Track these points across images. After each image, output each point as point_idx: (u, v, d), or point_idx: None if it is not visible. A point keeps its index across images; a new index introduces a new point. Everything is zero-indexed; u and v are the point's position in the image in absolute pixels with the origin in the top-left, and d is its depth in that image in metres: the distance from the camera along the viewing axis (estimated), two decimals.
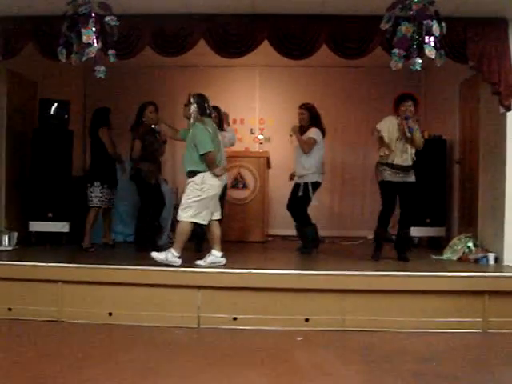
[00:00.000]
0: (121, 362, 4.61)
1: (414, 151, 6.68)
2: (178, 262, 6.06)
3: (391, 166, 6.62)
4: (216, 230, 6.37)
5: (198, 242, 7.30)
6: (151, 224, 7.62)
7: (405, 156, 6.62)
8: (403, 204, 6.77)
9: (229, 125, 7.60)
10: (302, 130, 7.38)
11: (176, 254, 6.06)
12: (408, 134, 6.49)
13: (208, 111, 6.30)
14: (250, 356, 4.87)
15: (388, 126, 6.57)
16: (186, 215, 6.10)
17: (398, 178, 6.64)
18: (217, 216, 6.41)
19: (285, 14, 6.55)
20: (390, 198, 6.74)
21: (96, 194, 7.40)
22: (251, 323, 5.71)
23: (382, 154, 6.56)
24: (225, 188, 7.45)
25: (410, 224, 7.02)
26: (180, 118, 9.66)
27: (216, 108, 7.44)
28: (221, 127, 7.41)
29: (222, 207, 7.47)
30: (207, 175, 6.12)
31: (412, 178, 6.71)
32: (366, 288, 5.79)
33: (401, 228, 6.82)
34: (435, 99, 9.45)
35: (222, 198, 7.42)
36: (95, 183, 7.40)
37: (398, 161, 6.60)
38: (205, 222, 6.21)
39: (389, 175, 6.65)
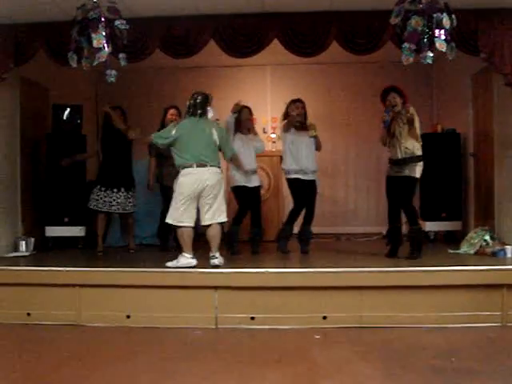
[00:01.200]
0: (140, 364, 4.63)
1: (409, 144, 6.48)
2: (193, 262, 6.08)
3: (389, 160, 6.71)
4: (209, 232, 6.25)
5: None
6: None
7: (393, 150, 6.58)
8: (401, 199, 6.59)
9: (256, 134, 7.58)
10: (299, 126, 7.22)
11: (188, 255, 6.08)
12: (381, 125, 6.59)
13: (191, 109, 6.31)
14: (268, 355, 4.86)
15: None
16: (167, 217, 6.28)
17: (392, 173, 6.64)
18: (207, 219, 6.25)
19: (294, 11, 6.56)
20: (387, 192, 6.75)
21: (93, 197, 7.40)
22: (269, 322, 5.71)
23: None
24: (257, 190, 7.46)
25: (415, 220, 6.66)
26: None
27: (246, 107, 7.43)
28: (238, 128, 7.39)
29: (259, 210, 7.46)
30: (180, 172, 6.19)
31: (406, 172, 6.50)
32: (383, 284, 5.77)
33: (409, 225, 6.64)
34: (447, 92, 9.40)
35: (257, 200, 7.43)
36: (97, 186, 7.44)
37: (390, 155, 6.67)
38: (176, 224, 6.19)
39: (388, 170, 6.74)
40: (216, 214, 6.24)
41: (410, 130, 6.48)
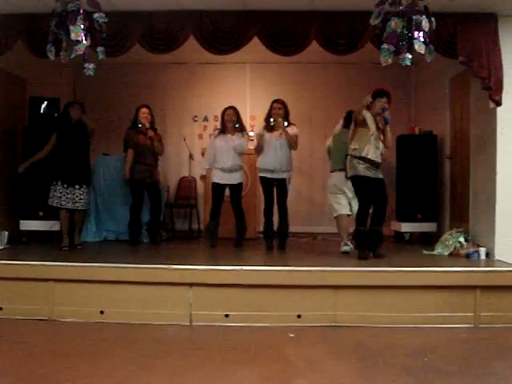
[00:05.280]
0: (113, 360, 4.59)
1: (383, 150, 6.73)
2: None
3: (364, 159, 6.54)
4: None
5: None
6: (138, 221, 7.92)
7: (377, 152, 6.60)
8: (378, 201, 6.68)
9: (237, 130, 7.65)
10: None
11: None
12: (384, 126, 6.58)
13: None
14: (242, 353, 4.87)
15: (369, 117, 6.59)
16: None
17: (370, 174, 6.57)
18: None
19: (274, 10, 6.54)
20: (365, 192, 6.66)
21: (54, 194, 7.23)
22: (243, 320, 5.71)
23: (354, 147, 6.61)
24: (235, 188, 7.54)
25: (383, 221, 6.83)
26: (169, 115, 9.70)
27: (232, 108, 7.66)
28: (242, 128, 7.69)
29: (238, 206, 7.66)
30: None
31: (381, 175, 6.67)
32: (357, 284, 5.80)
33: (374, 225, 6.71)
34: (425, 95, 9.47)
35: (235, 197, 7.53)
36: (53, 182, 7.27)
37: (371, 155, 6.55)
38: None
39: (362, 170, 6.56)
40: None
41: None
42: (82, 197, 7.28)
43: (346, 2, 6.27)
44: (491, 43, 6.47)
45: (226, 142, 7.51)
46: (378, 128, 6.60)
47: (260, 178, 7.49)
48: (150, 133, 7.71)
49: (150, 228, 8.02)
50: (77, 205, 7.27)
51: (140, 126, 7.64)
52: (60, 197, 7.20)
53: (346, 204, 7.37)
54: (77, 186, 7.24)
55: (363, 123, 6.54)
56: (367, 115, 6.55)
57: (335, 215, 7.47)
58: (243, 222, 7.74)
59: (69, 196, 7.21)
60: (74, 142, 7.31)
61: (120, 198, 8.21)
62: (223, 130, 7.62)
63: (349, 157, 6.68)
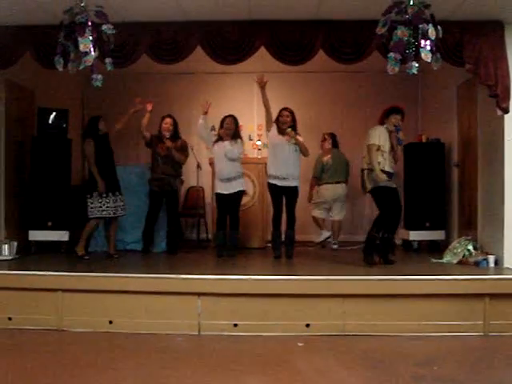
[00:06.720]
0: (122, 370, 4.60)
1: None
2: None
3: (382, 172, 6.66)
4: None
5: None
6: (151, 230, 8.05)
7: (392, 164, 6.81)
8: (393, 209, 6.83)
9: (231, 138, 7.67)
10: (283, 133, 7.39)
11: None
12: (396, 146, 6.84)
13: None
14: (251, 362, 4.86)
15: (379, 136, 6.70)
16: None
17: (388, 184, 6.73)
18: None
19: (281, 19, 6.57)
20: (387, 202, 6.75)
21: (95, 205, 7.30)
22: (252, 329, 5.70)
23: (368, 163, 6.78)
24: (236, 196, 7.54)
25: (396, 229, 7.11)
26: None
27: (231, 116, 7.71)
28: (236, 136, 7.72)
29: (236, 214, 7.65)
30: None
31: (395, 185, 6.90)
32: (366, 292, 5.78)
33: (387, 232, 6.81)
34: (433, 102, 9.46)
35: (234, 205, 7.53)
36: (94, 193, 7.32)
37: (388, 168, 6.72)
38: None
39: (385, 181, 6.69)
40: None
41: None
42: (112, 204, 7.40)
43: (352, 11, 6.29)
44: (498, 51, 6.47)
45: (221, 150, 7.56)
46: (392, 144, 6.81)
47: (269, 184, 7.45)
48: (168, 143, 7.81)
49: (168, 238, 8.09)
50: (119, 212, 7.49)
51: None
52: (100, 207, 7.31)
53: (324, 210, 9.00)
54: (110, 194, 7.38)
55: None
56: (375, 137, 6.71)
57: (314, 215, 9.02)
58: (237, 230, 7.71)
59: (110, 205, 7.36)
60: (106, 153, 7.48)
61: (129, 207, 8.23)
62: (221, 138, 7.64)
63: (366, 171, 6.84)
